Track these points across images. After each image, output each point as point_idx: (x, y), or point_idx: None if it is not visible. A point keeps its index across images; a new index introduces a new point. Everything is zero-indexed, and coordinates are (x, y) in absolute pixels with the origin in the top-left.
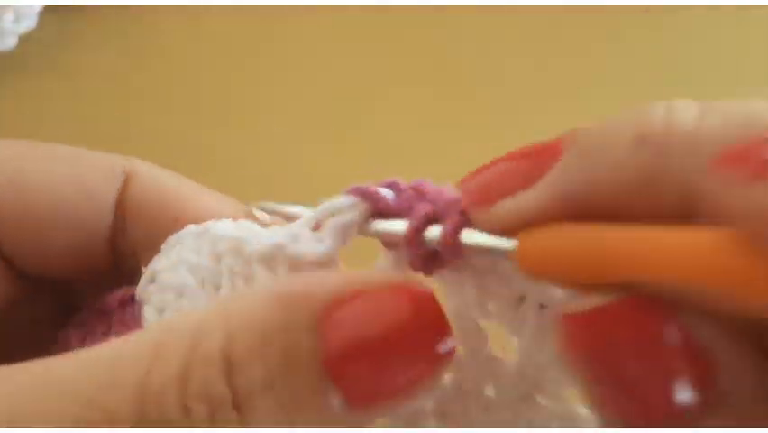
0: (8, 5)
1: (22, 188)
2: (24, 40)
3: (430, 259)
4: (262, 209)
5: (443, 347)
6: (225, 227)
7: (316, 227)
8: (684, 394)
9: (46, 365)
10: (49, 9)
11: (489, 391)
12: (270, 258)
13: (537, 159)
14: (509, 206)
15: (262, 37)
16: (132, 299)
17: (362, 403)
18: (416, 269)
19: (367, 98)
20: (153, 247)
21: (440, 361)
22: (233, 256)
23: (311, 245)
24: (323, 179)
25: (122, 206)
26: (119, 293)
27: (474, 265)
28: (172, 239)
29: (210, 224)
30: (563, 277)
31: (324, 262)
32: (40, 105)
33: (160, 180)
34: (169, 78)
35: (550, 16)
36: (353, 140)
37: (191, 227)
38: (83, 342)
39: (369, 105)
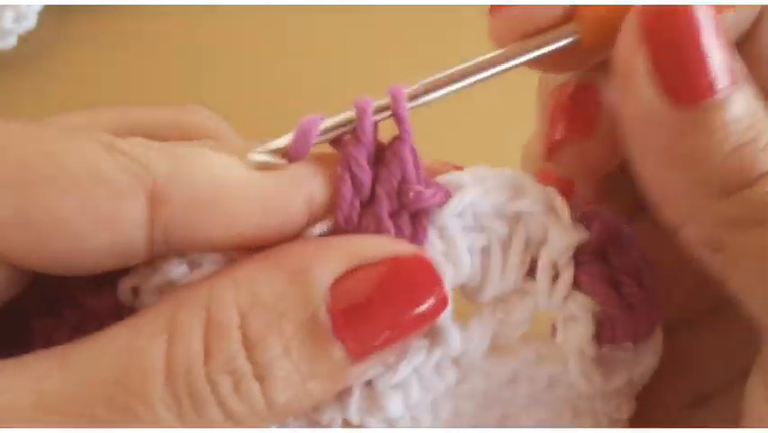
0: (8, 5)
1: (30, 228)
2: (24, 40)
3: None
4: (257, 154)
5: (428, 306)
6: None
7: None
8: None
9: (65, 353)
10: (49, 9)
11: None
12: None
13: None
14: None
15: (264, 37)
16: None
17: (361, 355)
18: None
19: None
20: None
21: (425, 320)
22: None
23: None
24: None
25: (151, 230)
26: (106, 297)
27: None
28: None
29: None
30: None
31: None
32: (39, 105)
33: (195, 200)
34: (170, 78)
35: None
36: None
37: None
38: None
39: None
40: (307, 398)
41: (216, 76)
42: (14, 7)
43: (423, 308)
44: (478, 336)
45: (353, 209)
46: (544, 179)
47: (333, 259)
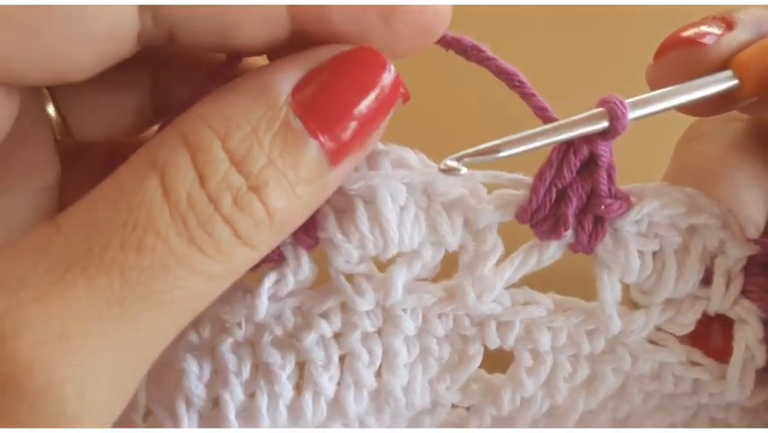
0: None
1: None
2: None
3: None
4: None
5: (383, 89)
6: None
7: None
8: None
9: (57, 219)
10: None
11: None
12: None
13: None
14: (725, 40)
15: None
16: None
17: (338, 155)
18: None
19: None
20: None
21: (385, 106)
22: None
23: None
24: None
25: None
26: None
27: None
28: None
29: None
30: None
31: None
32: None
33: None
34: None
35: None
36: None
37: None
38: None
39: None
40: (300, 205)
41: None
42: None
43: (377, 91)
44: (639, 326)
45: (548, 199)
46: None
47: (288, 69)
